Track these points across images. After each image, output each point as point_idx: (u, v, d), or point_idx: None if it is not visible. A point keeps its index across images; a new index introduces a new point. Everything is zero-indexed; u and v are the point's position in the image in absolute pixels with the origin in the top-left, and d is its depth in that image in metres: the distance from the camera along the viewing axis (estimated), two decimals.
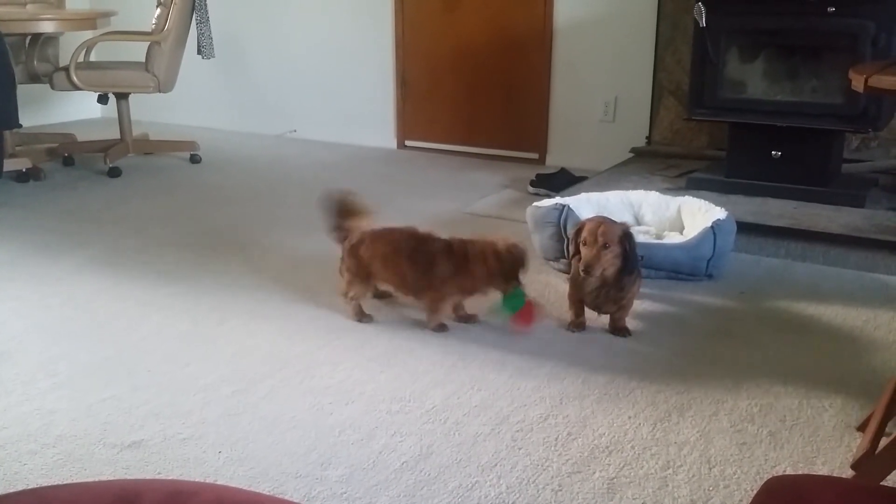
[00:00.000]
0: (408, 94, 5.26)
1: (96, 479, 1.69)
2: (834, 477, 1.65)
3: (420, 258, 2.41)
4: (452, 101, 5.12)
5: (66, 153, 4.74)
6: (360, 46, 5.33)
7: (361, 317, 2.53)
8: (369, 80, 5.36)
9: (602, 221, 2.34)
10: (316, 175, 4.58)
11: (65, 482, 1.66)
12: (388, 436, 1.87)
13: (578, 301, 2.45)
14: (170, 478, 1.70)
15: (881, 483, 1.58)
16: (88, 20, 4.58)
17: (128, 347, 2.34)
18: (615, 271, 2.32)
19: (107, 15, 4.68)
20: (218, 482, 1.69)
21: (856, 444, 1.82)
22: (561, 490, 1.67)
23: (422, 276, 2.41)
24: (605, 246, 2.28)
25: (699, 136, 4.24)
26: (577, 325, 2.46)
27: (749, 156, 3.52)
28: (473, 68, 4.98)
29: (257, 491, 1.64)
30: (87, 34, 4.65)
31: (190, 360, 2.25)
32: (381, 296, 2.68)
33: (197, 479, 1.69)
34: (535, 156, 4.89)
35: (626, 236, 2.32)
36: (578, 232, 2.35)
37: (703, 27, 3.45)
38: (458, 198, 4.03)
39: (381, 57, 5.27)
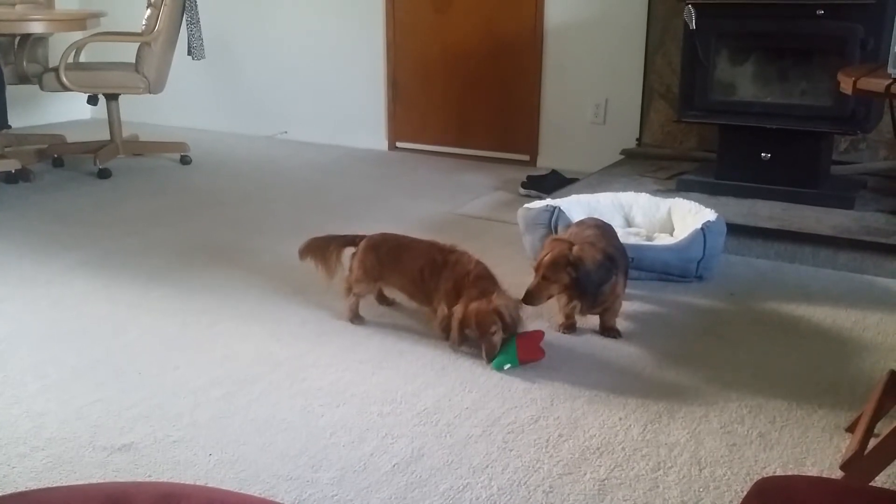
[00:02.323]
0: (399, 96, 5.26)
1: (86, 482, 1.68)
2: (823, 478, 1.65)
3: (431, 269, 2.39)
4: (443, 102, 5.12)
5: (56, 154, 4.72)
6: (351, 48, 5.33)
7: (355, 317, 2.52)
8: (360, 82, 5.35)
9: (551, 249, 2.31)
10: (307, 177, 4.57)
11: (54, 485, 1.65)
12: (379, 438, 1.87)
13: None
14: (160, 480, 1.70)
15: (870, 484, 1.59)
16: (78, 21, 4.56)
17: (117, 350, 2.33)
18: (573, 298, 2.33)
19: (96, 16, 4.66)
20: (208, 485, 1.68)
21: (845, 444, 1.83)
22: (552, 491, 1.67)
23: (428, 286, 2.39)
24: (545, 278, 2.28)
25: (689, 137, 4.25)
26: (568, 326, 2.46)
27: (739, 158, 3.54)
28: (464, 70, 4.99)
29: (248, 493, 1.64)
30: (77, 35, 4.62)
31: (180, 363, 2.25)
32: (386, 303, 2.66)
33: (187, 482, 1.69)
34: (526, 157, 4.90)
35: (570, 266, 2.27)
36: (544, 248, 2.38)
37: (693, 30, 3.46)
38: (449, 199, 4.03)
39: (371, 58, 5.26)
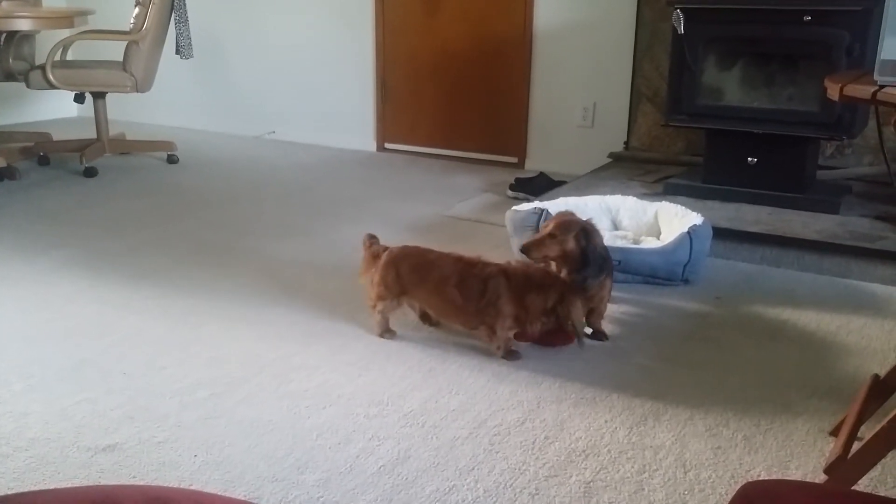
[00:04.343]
0: (388, 97, 5.26)
1: (70, 483, 1.67)
2: (808, 482, 1.66)
3: (470, 284, 2.27)
4: (433, 104, 5.12)
5: (42, 152, 4.69)
6: (340, 48, 5.32)
7: (385, 332, 2.43)
8: (349, 82, 5.35)
9: (565, 214, 2.36)
10: (295, 177, 4.56)
11: (38, 486, 1.64)
12: (365, 439, 1.87)
13: None
14: (145, 482, 1.69)
15: (853, 487, 1.60)
16: (65, 18, 4.53)
17: (103, 350, 2.32)
18: (569, 269, 2.32)
19: (84, 13, 4.64)
20: (193, 486, 1.68)
21: (829, 448, 1.84)
22: (538, 494, 1.67)
23: (473, 303, 2.27)
24: (551, 235, 2.29)
25: (676, 142, 4.27)
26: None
27: (725, 162, 3.56)
28: (454, 72, 4.99)
29: (234, 496, 1.63)
30: (64, 32, 4.60)
31: (166, 364, 2.24)
32: (430, 322, 2.50)
33: (172, 484, 1.68)
34: (514, 160, 4.91)
35: (582, 232, 2.30)
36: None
37: (681, 34, 3.48)
38: (437, 201, 4.03)
39: (361, 59, 5.26)
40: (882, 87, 1.63)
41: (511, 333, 2.32)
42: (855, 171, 3.81)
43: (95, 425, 1.91)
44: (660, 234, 3.10)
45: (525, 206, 3.06)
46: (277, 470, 1.74)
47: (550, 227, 2.31)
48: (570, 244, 2.30)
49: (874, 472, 1.70)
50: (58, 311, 2.59)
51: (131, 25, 4.47)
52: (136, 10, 4.46)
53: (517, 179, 4.20)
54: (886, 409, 1.81)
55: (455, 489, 1.68)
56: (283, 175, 4.61)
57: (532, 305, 2.25)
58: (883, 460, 1.62)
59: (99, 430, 1.88)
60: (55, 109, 6.10)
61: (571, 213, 2.42)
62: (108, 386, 2.10)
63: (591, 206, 3.19)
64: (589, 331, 2.43)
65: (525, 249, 2.32)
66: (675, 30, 3.50)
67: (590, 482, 1.72)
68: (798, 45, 3.41)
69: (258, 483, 1.70)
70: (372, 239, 2.53)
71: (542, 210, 2.95)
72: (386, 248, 2.45)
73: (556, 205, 3.09)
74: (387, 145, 5.35)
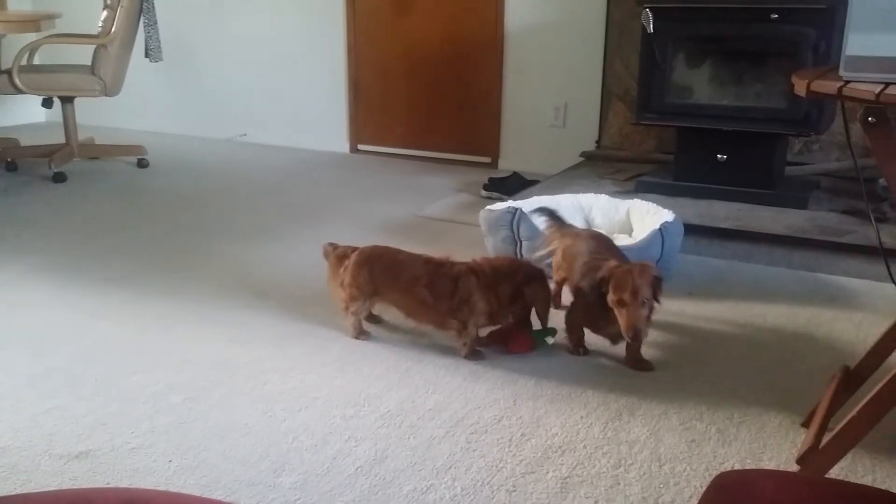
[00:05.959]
0: (360, 98, 5.25)
1: (43, 490, 1.65)
2: (780, 471, 1.68)
3: (441, 284, 2.28)
4: (405, 105, 5.12)
5: (10, 158, 4.63)
6: (312, 50, 5.30)
7: (360, 333, 2.42)
8: (321, 84, 5.33)
9: (641, 272, 2.13)
10: (267, 180, 4.54)
11: (9, 495, 1.62)
12: (342, 441, 1.86)
13: (581, 327, 2.35)
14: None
15: (825, 476, 1.62)
16: (32, 22, 4.48)
17: (74, 356, 2.29)
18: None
19: (51, 17, 4.58)
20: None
21: (800, 439, 1.87)
22: (515, 490, 1.68)
23: (445, 303, 2.27)
24: (643, 303, 2.12)
25: (647, 140, 4.31)
26: (583, 347, 2.36)
27: (695, 159, 3.59)
28: (426, 73, 5.00)
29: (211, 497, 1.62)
30: (31, 36, 4.54)
31: (138, 369, 2.21)
32: (374, 320, 2.52)
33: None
34: (487, 160, 4.92)
35: (656, 282, 2.16)
36: (605, 281, 2.16)
37: (650, 33, 3.51)
38: (411, 201, 4.03)
39: (332, 61, 5.25)
40: (847, 82, 1.66)
41: (479, 332, 2.32)
42: (823, 167, 3.86)
43: (67, 432, 1.88)
44: (632, 231, 3.12)
45: (499, 206, 3.07)
46: (254, 473, 1.73)
47: (641, 294, 2.10)
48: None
49: (844, 462, 1.72)
50: (27, 317, 2.56)
51: (99, 29, 4.42)
52: (105, 13, 4.42)
53: (490, 179, 4.21)
54: (856, 400, 1.84)
55: (433, 488, 1.69)
56: (255, 177, 4.59)
57: (503, 294, 2.28)
58: (853, 450, 1.64)
59: (71, 438, 1.86)
60: (23, 115, 6.02)
61: (641, 267, 2.17)
62: (79, 392, 2.07)
63: (564, 205, 3.20)
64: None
65: (637, 335, 2.12)
66: (644, 29, 3.53)
67: (566, 478, 1.73)
68: (765, 43, 3.45)
69: (235, 487, 1.68)
70: (332, 245, 2.53)
71: (516, 209, 2.96)
72: (354, 249, 2.44)
73: (529, 204, 3.10)
74: (359, 147, 5.34)
